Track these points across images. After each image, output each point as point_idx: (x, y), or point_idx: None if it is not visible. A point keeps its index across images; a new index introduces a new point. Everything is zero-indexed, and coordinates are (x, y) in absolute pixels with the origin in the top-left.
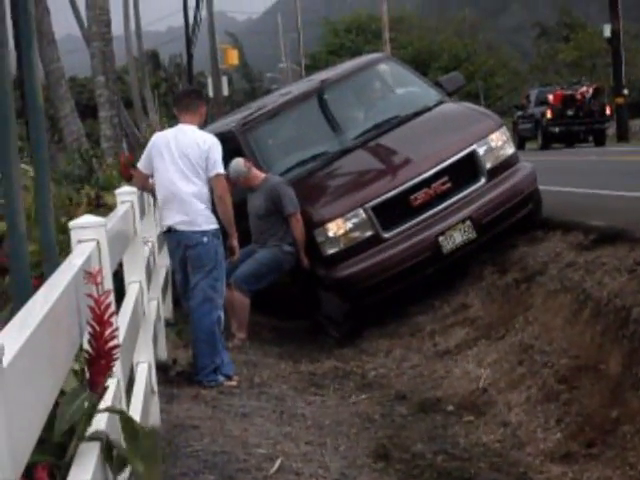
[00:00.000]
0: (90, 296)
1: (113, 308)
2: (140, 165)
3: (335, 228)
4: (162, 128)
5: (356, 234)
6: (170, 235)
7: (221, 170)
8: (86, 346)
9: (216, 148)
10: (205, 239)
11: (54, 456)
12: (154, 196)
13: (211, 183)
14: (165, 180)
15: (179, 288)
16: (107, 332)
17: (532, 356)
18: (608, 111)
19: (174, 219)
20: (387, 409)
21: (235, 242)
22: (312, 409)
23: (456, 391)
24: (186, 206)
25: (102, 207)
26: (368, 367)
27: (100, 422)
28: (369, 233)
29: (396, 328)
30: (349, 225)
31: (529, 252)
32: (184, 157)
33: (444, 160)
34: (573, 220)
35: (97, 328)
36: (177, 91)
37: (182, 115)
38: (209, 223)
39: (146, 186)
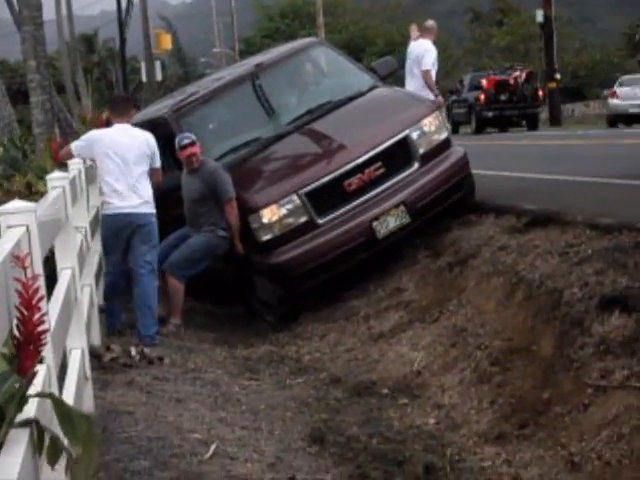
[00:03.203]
0: (18, 280)
1: (42, 292)
2: (75, 149)
3: (269, 214)
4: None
5: (290, 220)
6: (122, 215)
7: (159, 164)
8: (15, 331)
9: (155, 144)
10: (153, 219)
11: None
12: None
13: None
14: (125, 170)
15: (115, 265)
16: (35, 317)
17: (465, 338)
18: (541, 96)
19: (132, 202)
20: (322, 393)
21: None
22: (247, 394)
23: (390, 374)
24: (142, 191)
25: (35, 195)
26: (303, 351)
27: (30, 408)
28: (303, 219)
29: (331, 312)
30: (283, 211)
31: (462, 236)
32: (138, 151)
33: (377, 145)
34: (506, 204)
35: (25, 313)
36: (113, 95)
37: (117, 118)
38: (154, 206)
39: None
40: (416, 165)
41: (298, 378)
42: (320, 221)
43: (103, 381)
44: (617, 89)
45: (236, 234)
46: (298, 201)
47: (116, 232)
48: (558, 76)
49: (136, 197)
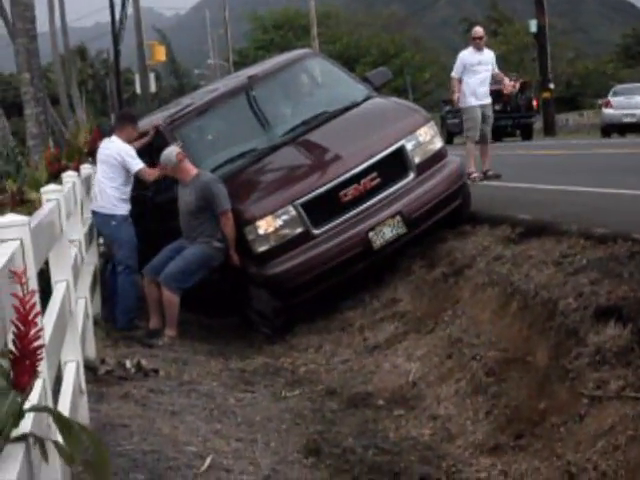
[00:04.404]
0: (15, 296)
1: (38, 308)
2: None
3: (265, 225)
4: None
5: (286, 231)
6: (93, 213)
7: (140, 165)
8: (10, 346)
9: (126, 153)
10: (113, 222)
11: None
12: None
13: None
14: (98, 175)
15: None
16: (32, 332)
17: (461, 349)
18: (535, 105)
19: (97, 203)
20: (317, 404)
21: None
22: (242, 406)
23: (386, 385)
24: (105, 195)
25: (26, 203)
26: (298, 363)
27: (26, 423)
28: (299, 230)
29: (326, 324)
30: (279, 222)
31: (457, 246)
32: (107, 161)
33: (373, 156)
34: (501, 214)
35: (22, 328)
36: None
37: (116, 131)
38: (115, 210)
39: None
40: (412, 175)
41: (294, 390)
42: (316, 232)
43: (98, 394)
44: (611, 99)
45: (232, 245)
46: (294, 212)
47: (94, 227)
48: (552, 86)
49: (99, 199)
